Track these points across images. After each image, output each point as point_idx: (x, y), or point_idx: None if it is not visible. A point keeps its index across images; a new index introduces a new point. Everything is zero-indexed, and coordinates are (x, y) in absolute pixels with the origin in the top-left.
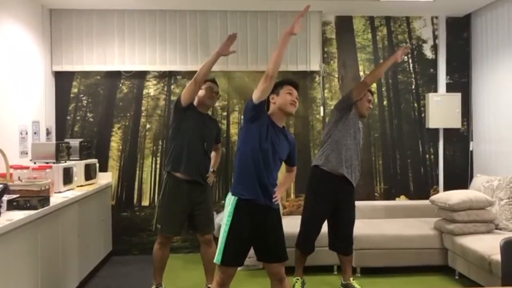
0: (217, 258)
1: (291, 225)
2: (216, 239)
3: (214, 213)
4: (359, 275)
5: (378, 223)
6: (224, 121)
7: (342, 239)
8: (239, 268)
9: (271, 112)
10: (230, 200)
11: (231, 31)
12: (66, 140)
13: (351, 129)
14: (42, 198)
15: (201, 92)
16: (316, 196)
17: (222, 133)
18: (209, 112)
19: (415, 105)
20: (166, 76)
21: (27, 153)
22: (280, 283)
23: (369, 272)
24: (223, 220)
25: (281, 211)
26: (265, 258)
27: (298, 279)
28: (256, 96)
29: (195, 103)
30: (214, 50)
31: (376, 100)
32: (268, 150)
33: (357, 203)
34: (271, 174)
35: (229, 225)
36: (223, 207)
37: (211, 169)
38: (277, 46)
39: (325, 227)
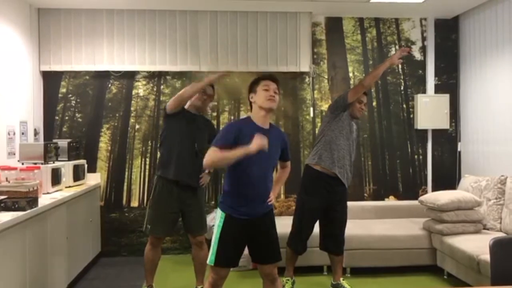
0: (210, 259)
1: (281, 225)
2: (208, 241)
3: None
4: (348, 275)
5: (367, 223)
6: (214, 122)
7: (333, 239)
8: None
9: (253, 114)
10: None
11: (221, 32)
12: (54, 140)
13: (344, 130)
14: (30, 199)
15: (196, 97)
16: (308, 195)
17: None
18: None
19: (404, 106)
20: (156, 76)
21: (14, 154)
22: (272, 284)
23: (358, 272)
24: (215, 221)
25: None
26: (258, 259)
27: (288, 280)
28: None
29: (186, 105)
30: (204, 50)
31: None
32: (256, 160)
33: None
34: (264, 181)
35: (221, 227)
36: (214, 207)
37: (206, 171)
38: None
39: (316, 227)
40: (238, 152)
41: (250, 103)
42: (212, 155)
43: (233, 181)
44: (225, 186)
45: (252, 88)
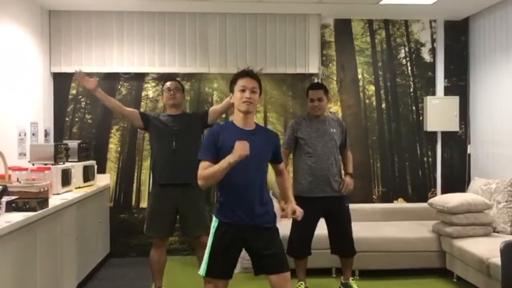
0: (201, 269)
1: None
2: None
3: (213, 216)
4: (357, 277)
5: (376, 225)
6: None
7: (340, 241)
8: (236, 270)
9: (234, 115)
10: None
11: (230, 33)
12: (64, 141)
13: (306, 146)
14: (40, 200)
15: (164, 97)
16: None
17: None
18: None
19: (413, 108)
20: (165, 78)
21: (25, 155)
22: None
23: (367, 274)
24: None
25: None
26: (260, 270)
27: (301, 284)
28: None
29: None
30: (213, 52)
31: (374, 103)
32: (239, 166)
33: (355, 205)
34: (252, 187)
35: (213, 234)
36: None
37: None
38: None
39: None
40: (223, 165)
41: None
42: (202, 174)
43: (220, 189)
44: (217, 193)
45: (231, 87)
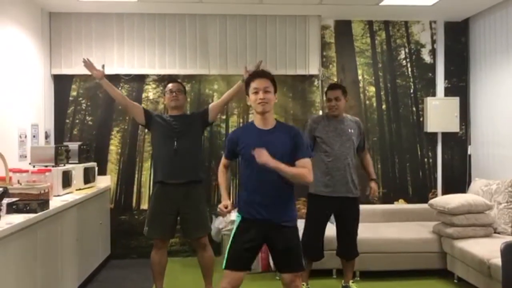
0: (223, 264)
1: None
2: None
3: (213, 216)
4: (358, 278)
5: (377, 227)
6: (223, 125)
7: (346, 243)
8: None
9: (254, 116)
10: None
11: (230, 35)
12: (65, 143)
13: (323, 144)
14: (41, 202)
15: (165, 98)
16: (313, 207)
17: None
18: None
19: (414, 109)
20: (165, 80)
21: (26, 157)
22: None
23: (368, 275)
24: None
25: None
26: (277, 267)
27: (303, 285)
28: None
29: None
30: (213, 54)
31: (374, 104)
32: (259, 165)
33: None
34: (272, 185)
35: (236, 228)
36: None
37: None
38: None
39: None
40: (221, 191)
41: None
42: (219, 171)
43: (242, 185)
44: (240, 188)
45: (246, 90)
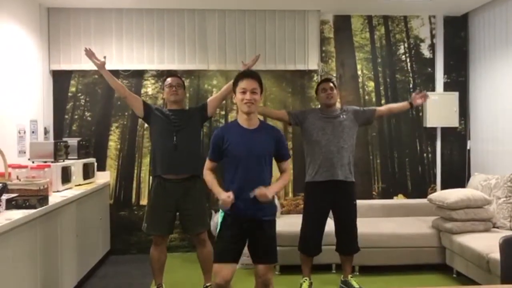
0: (213, 258)
1: (289, 224)
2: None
3: (212, 212)
4: (357, 273)
5: (376, 221)
6: (222, 121)
7: (343, 239)
8: (238, 266)
9: (238, 115)
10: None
11: (229, 30)
12: (64, 139)
13: (313, 134)
14: (40, 197)
15: (165, 92)
16: (310, 201)
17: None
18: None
19: None
20: (164, 75)
21: (25, 152)
22: (265, 287)
23: (367, 270)
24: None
25: (279, 210)
26: (253, 258)
27: (306, 279)
28: None
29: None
30: (212, 49)
31: (373, 99)
32: (243, 164)
33: None
34: (253, 184)
35: (221, 224)
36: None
37: None
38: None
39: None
40: (214, 190)
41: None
42: (205, 174)
43: (226, 183)
44: (225, 185)
45: (233, 88)
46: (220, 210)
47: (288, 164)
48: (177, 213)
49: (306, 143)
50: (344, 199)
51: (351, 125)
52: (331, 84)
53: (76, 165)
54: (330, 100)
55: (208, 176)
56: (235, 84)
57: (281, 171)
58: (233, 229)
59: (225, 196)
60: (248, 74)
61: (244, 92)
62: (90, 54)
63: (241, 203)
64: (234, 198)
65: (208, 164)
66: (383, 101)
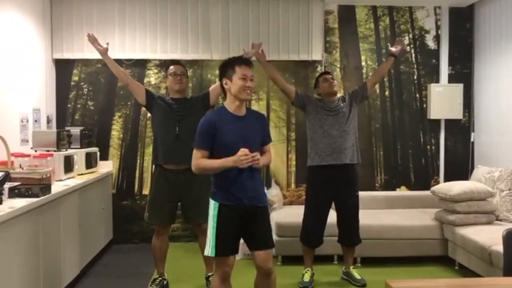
0: (209, 251)
1: (291, 214)
2: None
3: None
4: (359, 264)
5: (379, 213)
6: None
7: (345, 231)
8: (238, 257)
9: (228, 102)
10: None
11: (233, 20)
12: (66, 128)
13: (316, 117)
14: (43, 186)
15: (168, 81)
16: (312, 192)
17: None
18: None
19: (417, 95)
20: (167, 65)
21: (27, 141)
22: (267, 277)
23: (369, 262)
24: (210, 211)
25: (282, 201)
26: (250, 246)
27: (308, 270)
28: None
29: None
30: (215, 39)
31: (377, 91)
32: (236, 151)
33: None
34: (248, 170)
35: (217, 216)
36: None
37: None
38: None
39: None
40: (222, 165)
41: (223, 88)
42: (198, 164)
43: (216, 174)
44: (214, 176)
45: (226, 73)
46: (213, 202)
47: (269, 147)
48: (179, 203)
49: (308, 127)
50: (346, 191)
51: (350, 108)
52: (331, 76)
53: (78, 154)
54: (333, 88)
55: (204, 162)
56: (230, 69)
57: (263, 153)
58: (231, 221)
59: (242, 153)
60: (247, 60)
61: (245, 79)
62: (93, 39)
63: (237, 192)
64: (230, 188)
65: (197, 154)
66: (387, 93)
